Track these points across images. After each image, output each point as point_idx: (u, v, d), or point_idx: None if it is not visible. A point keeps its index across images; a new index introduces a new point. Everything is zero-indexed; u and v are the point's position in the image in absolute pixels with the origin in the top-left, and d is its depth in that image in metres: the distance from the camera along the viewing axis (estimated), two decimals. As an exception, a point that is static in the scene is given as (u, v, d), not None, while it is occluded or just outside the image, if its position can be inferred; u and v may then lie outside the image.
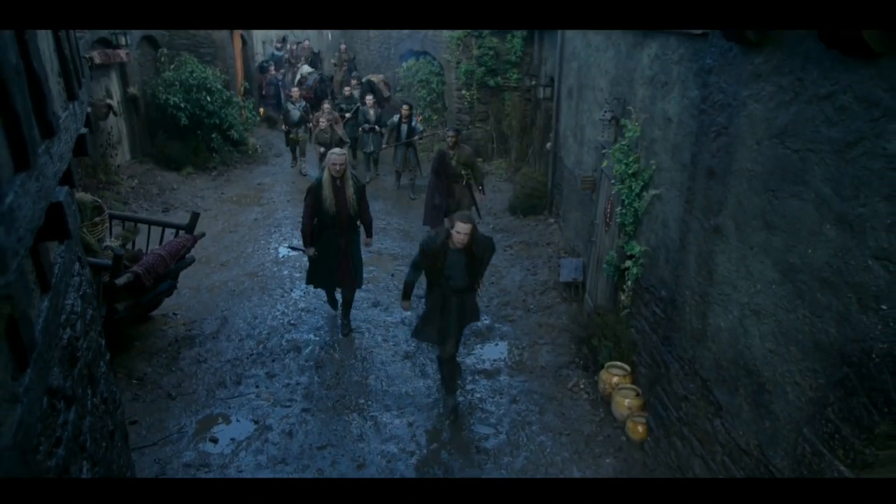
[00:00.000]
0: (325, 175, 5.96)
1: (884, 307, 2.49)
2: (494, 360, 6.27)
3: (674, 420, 4.39)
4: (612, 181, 5.74)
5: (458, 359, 5.55)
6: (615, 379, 5.39)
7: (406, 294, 5.42)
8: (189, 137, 12.03)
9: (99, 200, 6.59)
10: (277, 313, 7.07)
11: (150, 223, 7.15)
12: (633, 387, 5.28)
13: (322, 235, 6.19)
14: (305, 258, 6.59)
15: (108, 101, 9.98)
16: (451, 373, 5.34)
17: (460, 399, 5.54)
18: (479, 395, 5.70)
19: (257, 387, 5.75)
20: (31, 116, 1.66)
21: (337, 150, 6.11)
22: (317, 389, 5.75)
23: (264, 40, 19.79)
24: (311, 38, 19.45)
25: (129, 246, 6.80)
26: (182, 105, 11.62)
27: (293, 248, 8.00)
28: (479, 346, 6.51)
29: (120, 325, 5.82)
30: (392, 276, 8.05)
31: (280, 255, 8.69)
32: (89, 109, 3.34)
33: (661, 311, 4.93)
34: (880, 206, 2.50)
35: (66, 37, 2.72)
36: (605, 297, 6.20)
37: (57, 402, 2.23)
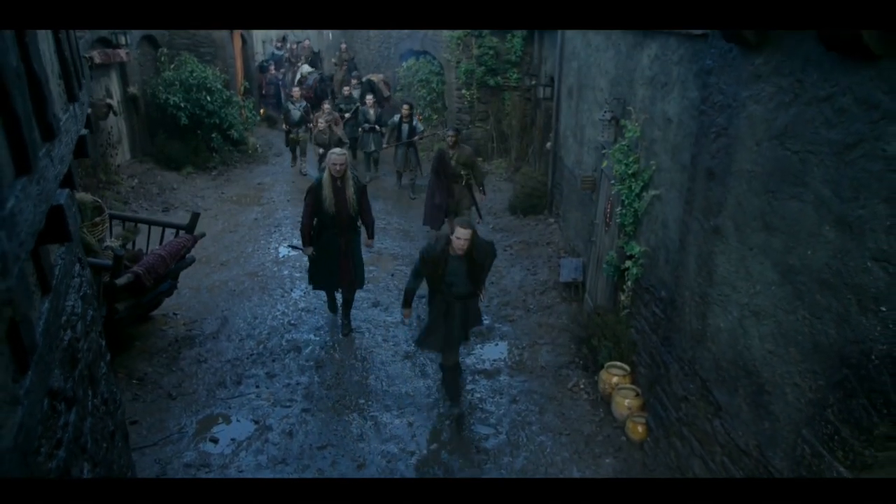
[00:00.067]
0: (326, 175, 5.93)
1: (883, 309, 2.50)
2: (494, 360, 6.27)
3: (673, 420, 4.39)
4: (612, 181, 5.74)
5: (461, 366, 5.54)
6: (615, 379, 5.40)
7: (406, 302, 5.35)
8: (189, 137, 12.03)
9: (99, 200, 6.59)
10: (278, 313, 7.08)
11: (150, 223, 7.15)
12: (633, 387, 5.28)
13: (322, 236, 6.16)
14: (306, 258, 6.58)
15: (108, 100, 9.98)
16: (454, 381, 5.29)
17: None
18: (479, 395, 5.70)
19: (257, 387, 5.76)
20: (32, 119, 1.67)
21: (337, 149, 6.07)
22: (317, 389, 5.75)
23: (264, 40, 19.78)
24: (311, 38, 19.44)
25: (129, 246, 6.80)
26: (182, 105, 11.62)
27: (293, 248, 8.01)
28: (479, 346, 6.51)
29: (120, 325, 5.83)
30: (392, 275, 8.05)
31: (280, 255, 8.69)
32: (89, 111, 3.34)
33: (660, 311, 4.93)
34: (880, 208, 2.50)
35: (66, 38, 2.72)
36: (604, 297, 6.20)
37: (58, 404, 2.24)
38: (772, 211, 3.22)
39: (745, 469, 3.51)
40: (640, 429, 4.93)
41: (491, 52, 11.45)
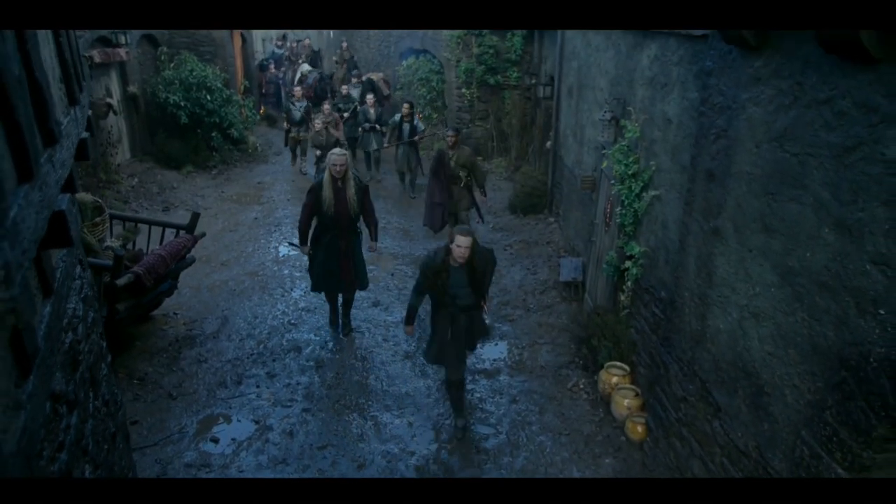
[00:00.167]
0: (326, 175, 5.85)
1: (882, 312, 2.50)
2: (494, 360, 6.28)
3: (673, 421, 4.41)
4: (612, 181, 5.75)
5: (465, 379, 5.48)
6: (615, 379, 5.41)
7: (409, 319, 5.22)
8: (189, 136, 12.03)
9: (99, 200, 6.60)
10: (278, 313, 7.09)
11: (150, 223, 7.16)
12: (633, 387, 5.29)
13: (322, 237, 6.05)
14: (307, 259, 6.56)
15: (108, 100, 9.98)
16: (459, 396, 5.19)
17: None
18: (478, 395, 5.72)
19: (258, 387, 5.77)
20: (34, 126, 1.67)
21: (337, 150, 5.98)
22: (317, 389, 5.76)
23: (264, 38, 19.77)
24: (311, 36, 19.42)
25: (129, 246, 6.81)
26: (182, 104, 11.62)
27: (292, 246, 8.02)
28: (479, 345, 6.52)
29: (121, 325, 5.84)
30: (392, 275, 8.06)
31: (280, 255, 8.70)
32: (90, 113, 3.35)
33: (660, 311, 4.94)
34: (878, 212, 2.51)
35: (66, 41, 2.72)
36: (604, 297, 6.21)
37: (59, 407, 2.25)
38: (771, 213, 3.23)
39: (745, 470, 3.53)
40: (639, 429, 4.94)
41: (491, 50, 11.44)
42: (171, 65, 12.14)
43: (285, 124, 12.39)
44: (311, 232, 6.20)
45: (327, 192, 5.80)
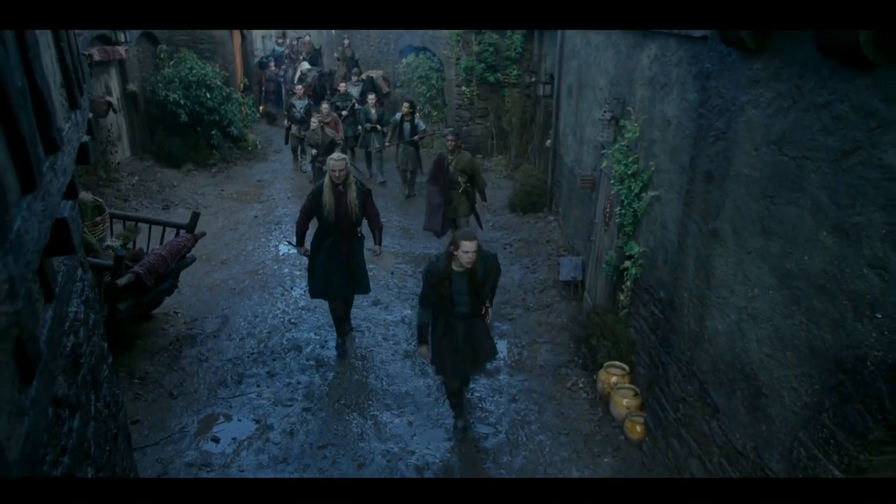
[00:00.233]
0: (326, 180, 5.71)
1: (878, 315, 2.52)
2: (494, 359, 6.29)
3: (671, 421, 4.43)
4: (612, 181, 5.76)
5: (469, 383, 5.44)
6: (614, 378, 5.43)
7: (422, 338, 4.92)
8: (189, 134, 12.03)
9: (100, 200, 6.61)
10: (278, 312, 7.11)
11: (150, 222, 7.17)
12: (632, 386, 5.31)
13: (324, 242, 5.86)
14: (307, 260, 6.53)
15: (108, 98, 9.98)
16: (458, 402, 5.14)
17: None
18: (478, 395, 5.74)
19: (258, 386, 5.79)
20: (36, 135, 1.68)
21: (336, 155, 5.83)
22: (317, 388, 5.79)
23: (264, 36, 19.74)
24: (311, 34, 19.38)
25: (129, 245, 6.82)
26: (182, 102, 11.62)
27: (291, 245, 8.02)
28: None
29: (121, 324, 5.85)
30: (392, 273, 8.07)
31: (280, 253, 8.72)
32: (90, 115, 3.35)
33: (659, 312, 4.96)
34: (876, 216, 2.52)
35: (67, 45, 2.73)
36: (604, 297, 6.23)
37: (62, 411, 2.26)
38: (769, 215, 3.24)
39: (743, 470, 3.55)
40: (638, 428, 4.96)
41: (491, 48, 11.43)
42: (171, 63, 12.14)
43: (286, 122, 12.36)
44: (311, 235, 6.05)
45: (328, 197, 5.67)
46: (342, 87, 12.55)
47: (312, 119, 10.32)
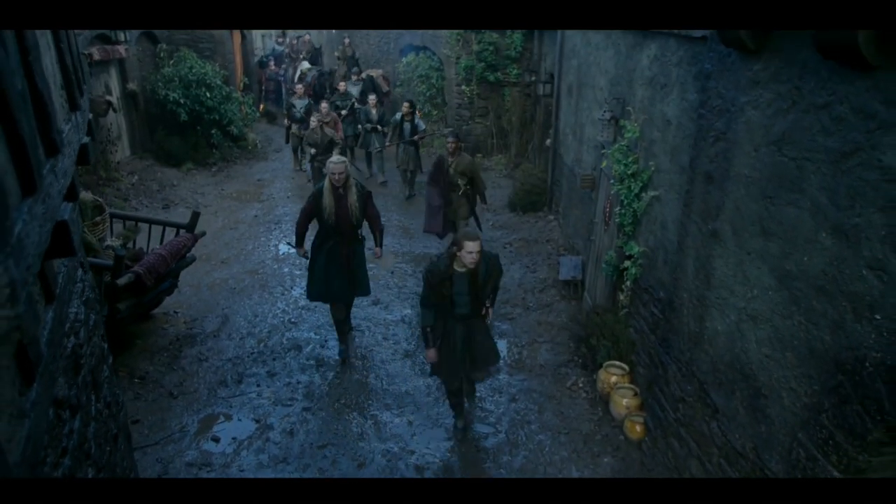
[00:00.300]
0: (326, 183, 5.64)
1: (877, 317, 2.52)
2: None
3: (671, 421, 4.43)
4: (612, 181, 5.76)
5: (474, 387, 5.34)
6: (613, 378, 5.44)
7: (429, 341, 4.76)
8: (189, 133, 12.04)
9: (100, 199, 6.62)
10: (278, 311, 7.11)
11: (150, 222, 7.17)
12: (632, 386, 5.32)
13: (324, 245, 5.80)
14: (306, 259, 6.51)
15: (108, 97, 9.97)
16: (458, 402, 5.11)
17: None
18: (478, 394, 5.73)
19: (258, 385, 5.80)
20: (37, 138, 1.68)
21: (335, 158, 5.77)
22: (317, 388, 5.79)
23: (264, 35, 19.73)
24: (311, 33, 19.36)
25: (129, 245, 6.83)
26: (181, 101, 11.63)
27: (292, 245, 8.02)
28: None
29: (121, 324, 5.86)
30: (392, 273, 8.08)
31: (280, 252, 8.72)
32: (90, 116, 3.35)
33: (659, 312, 4.96)
34: (875, 218, 2.52)
35: (67, 46, 2.73)
36: (603, 297, 6.23)
37: (62, 413, 2.27)
38: (769, 216, 3.25)
39: (742, 471, 3.55)
40: (638, 428, 4.97)
41: (491, 47, 11.43)
42: (171, 62, 12.14)
43: (286, 122, 12.34)
44: (312, 236, 5.99)
45: (328, 200, 5.60)
46: (342, 86, 12.52)
47: (312, 118, 10.29)
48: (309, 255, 5.98)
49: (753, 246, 3.40)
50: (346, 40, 15.95)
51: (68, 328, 2.58)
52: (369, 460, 4.92)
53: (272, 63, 17.21)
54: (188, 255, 6.62)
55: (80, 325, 2.83)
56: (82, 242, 3.89)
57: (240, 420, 5.36)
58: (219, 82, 12.26)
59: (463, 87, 11.87)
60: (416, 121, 10.33)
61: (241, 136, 13.03)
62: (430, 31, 12.88)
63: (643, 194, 5.25)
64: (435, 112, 13.19)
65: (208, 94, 11.91)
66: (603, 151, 6.13)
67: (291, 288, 7.65)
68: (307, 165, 11.62)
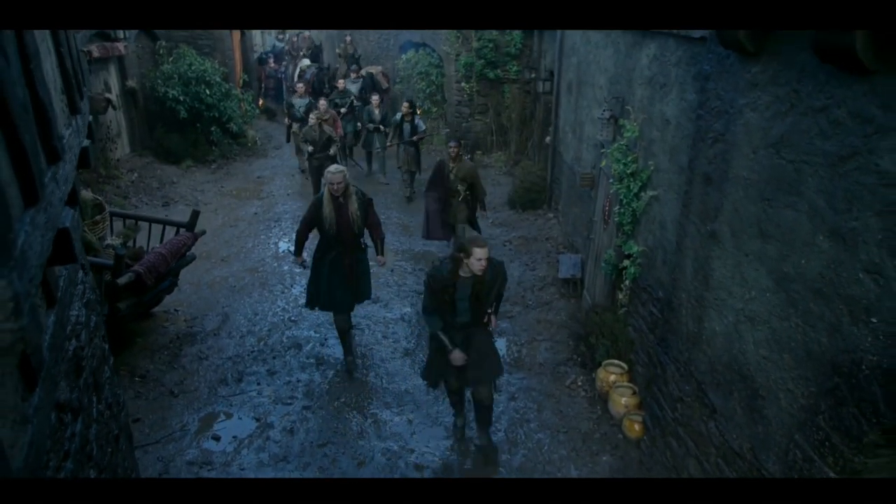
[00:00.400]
0: (326, 192, 5.51)
1: (874, 320, 2.54)
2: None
3: (669, 420, 4.45)
4: (611, 180, 5.77)
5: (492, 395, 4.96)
6: (612, 377, 5.46)
7: (447, 343, 4.56)
8: (188, 130, 12.04)
9: (99, 198, 6.63)
10: (278, 310, 7.13)
11: (150, 221, 7.18)
12: (630, 385, 5.34)
13: (326, 255, 5.67)
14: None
15: (107, 95, 9.96)
16: (459, 399, 5.07)
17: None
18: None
19: (259, 384, 5.82)
20: (38, 147, 1.69)
21: (333, 168, 5.55)
22: (317, 387, 5.81)
23: (263, 31, 19.69)
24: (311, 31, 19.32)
25: (129, 244, 6.84)
26: (181, 98, 11.62)
27: (292, 252, 8.03)
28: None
29: (122, 322, 5.88)
30: (392, 271, 8.09)
31: (280, 251, 8.73)
32: (90, 118, 3.36)
33: (657, 311, 4.98)
34: (872, 221, 2.53)
35: (67, 49, 2.74)
36: (602, 295, 6.25)
37: (64, 416, 2.28)
38: (767, 218, 3.26)
39: (739, 471, 3.57)
40: (636, 427, 4.99)
41: (490, 44, 11.41)
42: (170, 59, 12.13)
43: (286, 121, 12.30)
44: (313, 246, 5.86)
45: (328, 210, 5.47)
46: (340, 83, 12.49)
47: (311, 115, 10.26)
48: (307, 265, 5.89)
49: (751, 248, 3.42)
50: (348, 38, 15.91)
51: (70, 331, 2.59)
52: (369, 459, 4.94)
53: (272, 60, 17.17)
54: (188, 253, 6.64)
55: (81, 328, 2.84)
56: (82, 242, 3.90)
57: (240, 418, 5.38)
58: (218, 79, 12.26)
59: (463, 83, 11.86)
60: (417, 121, 10.26)
61: (240, 134, 13.04)
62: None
63: (642, 194, 5.26)
64: (434, 109, 13.18)
65: (208, 91, 11.90)
66: (602, 150, 6.14)
67: (291, 286, 7.67)
68: (307, 164, 11.60)
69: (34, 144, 1.64)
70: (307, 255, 5.94)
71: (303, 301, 7.22)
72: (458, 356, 4.54)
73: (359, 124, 11.39)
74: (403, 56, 14.12)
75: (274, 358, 6.22)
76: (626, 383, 5.37)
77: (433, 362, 4.85)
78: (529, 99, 11.42)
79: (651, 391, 4.85)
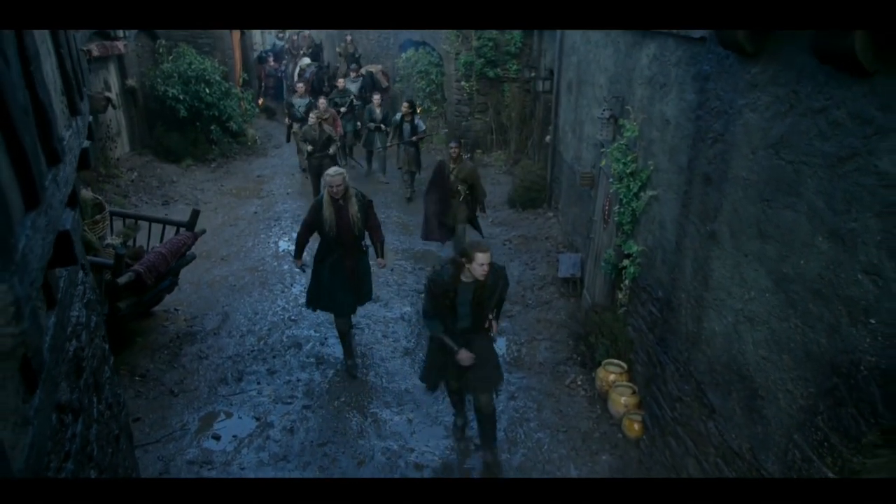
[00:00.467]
0: (325, 195, 5.49)
1: (873, 321, 2.54)
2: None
3: (669, 420, 4.46)
4: (611, 179, 5.77)
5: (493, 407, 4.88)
6: (612, 376, 5.46)
7: (451, 344, 4.49)
8: (188, 129, 12.04)
9: (99, 198, 6.64)
10: (278, 309, 7.13)
11: (150, 220, 7.18)
12: (630, 384, 5.35)
13: (327, 258, 5.66)
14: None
15: (107, 93, 9.95)
16: (459, 399, 5.07)
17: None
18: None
19: (259, 383, 5.83)
20: (39, 150, 1.69)
21: (332, 170, 5.52)
22: (317, 386, 5.82)
23: (263, 30, 19.69)
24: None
25: (129, 243, 6.84)
26: (181, 97, 11.61)
27: (293, 254, 8.02)
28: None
29: (122, 322, 5.88)
30: (391, 270, 8.08)
31: (280, 250, 8.73)
32: (90, 118, 3.36)
33: (657, 311, 4.98)
34: (871, 222, 2.54)
35: (67, 51, 2.74)
36: (602, 295, 6.25)
37: (65, 417, 2.29)
38: (766, 219, 3.26)
39: (738, 471, 3.58)
40: (636, 426, 5.00)
41: (490, 43, 11.40)
42: (170, 58, 12.12)
43: (287, 120, 12.28)
44: (314, 248, 5.86)
45: (327, 212, 5.44)
46: (340, 82, 12.49)
47: (311, 115, 10.24)
48: (306, 268, 5.85)
49: (751, 248, 3.42)
50: (349, 37, 15.90)
51: (70, 332, 2.60)
52: (369, 458, 4.95)
53: (272, 59, 17.16)
54: (188, 253, 6.64)
55: (81, 329, 2.85)
56: (82, 241, 3.91)
57: (240, 418, 5.39)
58: (218, 78, 12.25)
59: (462, 82, 11.85)
60: (417, 121, 10.24)
61: (240, 132, 13.03)
62: (430, 27, 12.85)
63: (642, 193, 5.27)
64: (434, 108, 13.18)
65: (207, 90, 11.90)
66: (602, 150, 6.14)
67: (291, 285, 7.67)
68: (306, 163, 11.58)
69: (34, 147, 1.64)
70: (307, 257, 5.94)
71: (303, 300, 7.24)
72: (465, 356, 4.45)
73: (359, 123, 11.37)
74: (403, 55, 14.11)
75: (274, 357, 6.23)
76: (625, 383, 5.38)
77: (432, 364, 4.84)
78: (529, 98, 11.42)
79: (650, 390, 4.85)
